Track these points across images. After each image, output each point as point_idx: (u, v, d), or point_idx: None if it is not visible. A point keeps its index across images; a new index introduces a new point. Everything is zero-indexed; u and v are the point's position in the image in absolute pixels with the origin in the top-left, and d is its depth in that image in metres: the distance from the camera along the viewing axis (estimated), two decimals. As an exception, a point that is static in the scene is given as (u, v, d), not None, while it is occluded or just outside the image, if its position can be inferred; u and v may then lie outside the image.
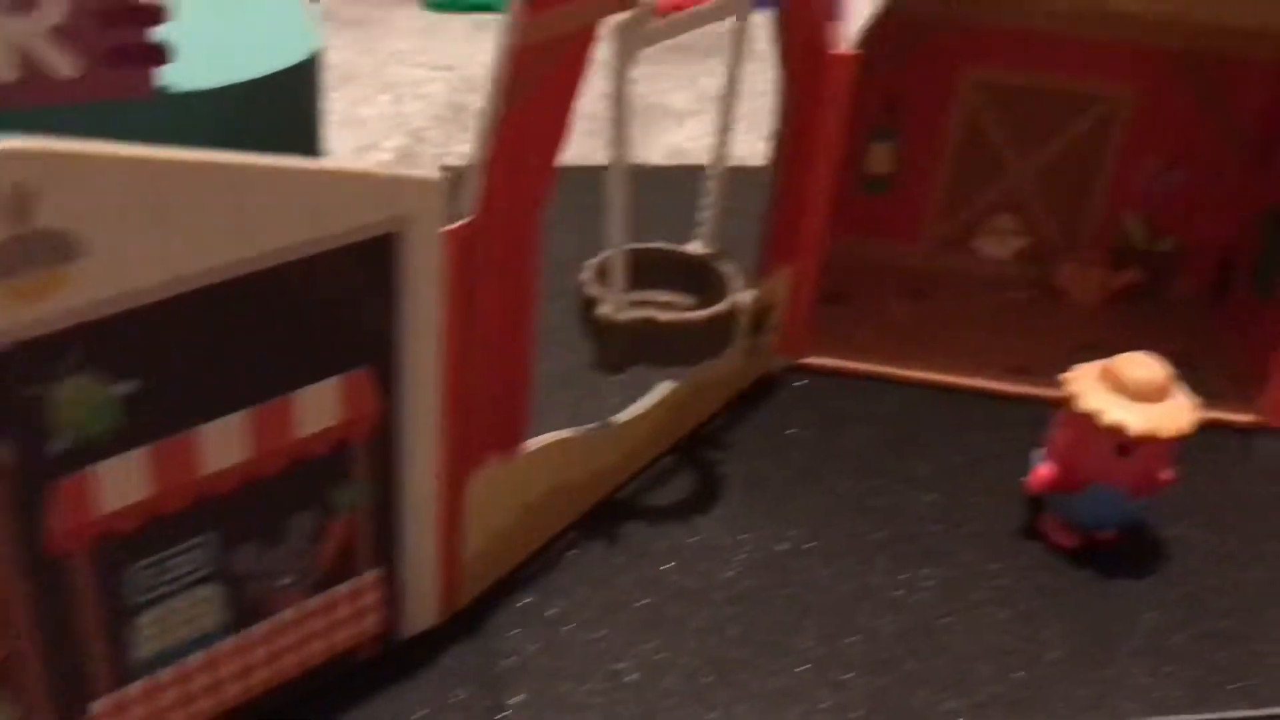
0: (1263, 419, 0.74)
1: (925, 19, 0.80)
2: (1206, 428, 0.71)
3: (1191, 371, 0.78)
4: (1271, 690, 0.56)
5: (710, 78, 1.24)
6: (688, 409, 0.69)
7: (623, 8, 0.49)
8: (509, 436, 0.54)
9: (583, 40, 0.48)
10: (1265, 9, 0.77)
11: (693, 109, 1.19)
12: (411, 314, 0.46)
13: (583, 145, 1.07)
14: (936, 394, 0.76)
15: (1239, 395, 0.76)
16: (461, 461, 0.52)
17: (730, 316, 0.60)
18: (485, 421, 0.52)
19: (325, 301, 0.43)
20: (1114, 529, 0.64)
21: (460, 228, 0.46)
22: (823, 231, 0.72)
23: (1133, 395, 0.59)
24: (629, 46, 0.51)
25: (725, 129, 0.62)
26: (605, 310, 0.57)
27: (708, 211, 0.63)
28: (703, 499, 0.65)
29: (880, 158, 0.85)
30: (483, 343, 0.50)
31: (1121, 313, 0.84)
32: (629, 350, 0.58)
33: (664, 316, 0.58)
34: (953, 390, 0.76)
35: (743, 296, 0.61)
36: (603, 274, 0.59)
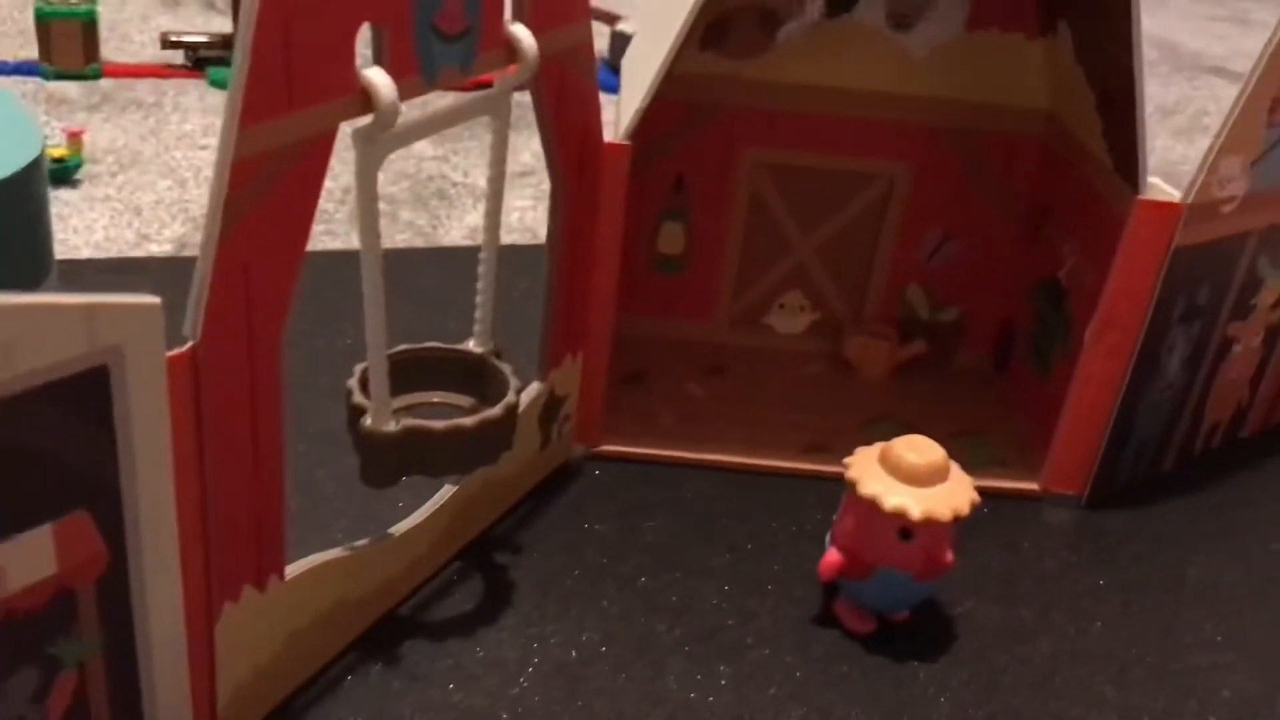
0: (1049, 488, 0.76)
1: (706, 102, 0.80)
2: (994, 496, 0.73)
3: (978, 440, 0.80)
4: (1060, 768, 0.56)
5: (516, 153, 1.23)
6: (476, 510, 0.66)
7: (363, 111, 0.47)
8: (263, 566, 0.51)
9: (316, 147, 0.46)
10: (1027, 89, 0.80)
11: (492, 187, 1.17)
12: (134, 449, 0.42)
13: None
14: (735, 476, 0.75)
15: (1025, 464, 0.78)
16: (209, 599, 0.48)
17: (505, 420, 0.58)
18: (234, 554, 0.49)
19: (26, 445, 0.39)
20: (905, 610, 0.64)
21: (182, 354, 0.42)
22: (610, 320, 0.71)
23: (911, 479, 0.59)
24: (373, 153, 0.48)
25: (493, 227, 0.60)
26: (369, 423, 0.54)
27: (481, 309, 0.61)
28: (491, 607, 0.62)
29: (671, 238, 0.85)
30: (223, 472, 0.46)
31: (910, 384, 0.86)
32: (397, 463, 0.55)
33: (433, 425, 0.55)
34: (752, 472, 0.76)
35: (515, 398, 0.58)
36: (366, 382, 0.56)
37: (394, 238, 1.04)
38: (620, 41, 1.44)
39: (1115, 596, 0.68)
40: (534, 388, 0.68)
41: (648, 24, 0.80)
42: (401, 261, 0.99)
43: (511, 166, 1.22)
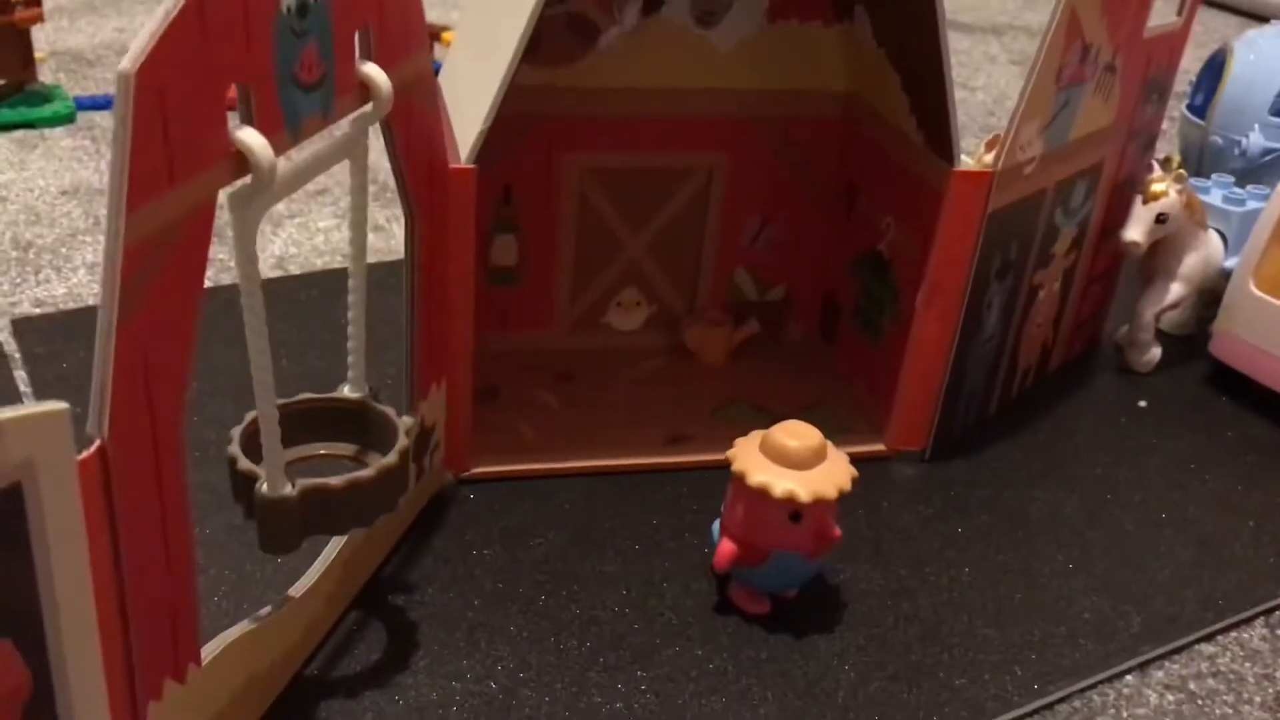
0: (894, 447, 0.81)
1: (526, 113, 0.80)
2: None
3: (822, 411, 0.84)
4: (968, 712, 0.60)
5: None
6: (363, 556, 0.65)
7: (240, 174, 0.45)
8: (180, 658, 0.48)
9: (199, 219, 0.44)
10: (828, 74, 0.84)
11: (291, 210, 1.13)
12: (51, 565, 0.39)
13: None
14: (606, 480, 0.76)
15: (868, 427, 0.82)
16: (134, 704, 0.45)
17: (402, 465, 0.57)
18: (153, 651, 0.46)
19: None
20: (796, 588, 0.67)
21: (91, 455, 0.40)
22: (470, 343, 0.71)
23: (794, 463, 0.62)
24: (249, 216, 0.47)
25: (359, 268, 0.58)
26: (264, 489, 0.52)
27: (354, 353, 0.60)
28: (399, 652, 0.61)
29: (504, 250, 0.85)
30: (137, 569, 0.44)
31: (749, 364, 0.89)
32: (298, 526, 0.53)
33: (332, 483, 0.54)
34: (619, 473, 0.77)
35: (408, 441, 0.57)
36: (249, 443, 0.54)
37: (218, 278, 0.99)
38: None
39: (974, 543, 0.73)
40: (406, 422, 0.67)
41: (464, 38, 0.79)
42: (212, 299, 0.95)
43: (308, 186, 1.18)
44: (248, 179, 0.45)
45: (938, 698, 0.61)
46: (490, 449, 0.76)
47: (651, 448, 0.79)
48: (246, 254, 0.47)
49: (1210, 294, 0.96)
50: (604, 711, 0.59)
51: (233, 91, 0.45)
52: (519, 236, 0.84)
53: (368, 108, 0.54)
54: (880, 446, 0.81)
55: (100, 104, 1.33)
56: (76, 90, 1.37)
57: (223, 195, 0.45)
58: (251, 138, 0.44)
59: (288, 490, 0.53)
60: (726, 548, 0.64)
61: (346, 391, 0.60)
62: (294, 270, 1.02)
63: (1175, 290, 0.93)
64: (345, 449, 0.60)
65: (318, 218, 1.12)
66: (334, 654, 0.61)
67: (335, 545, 0.61)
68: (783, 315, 0.92)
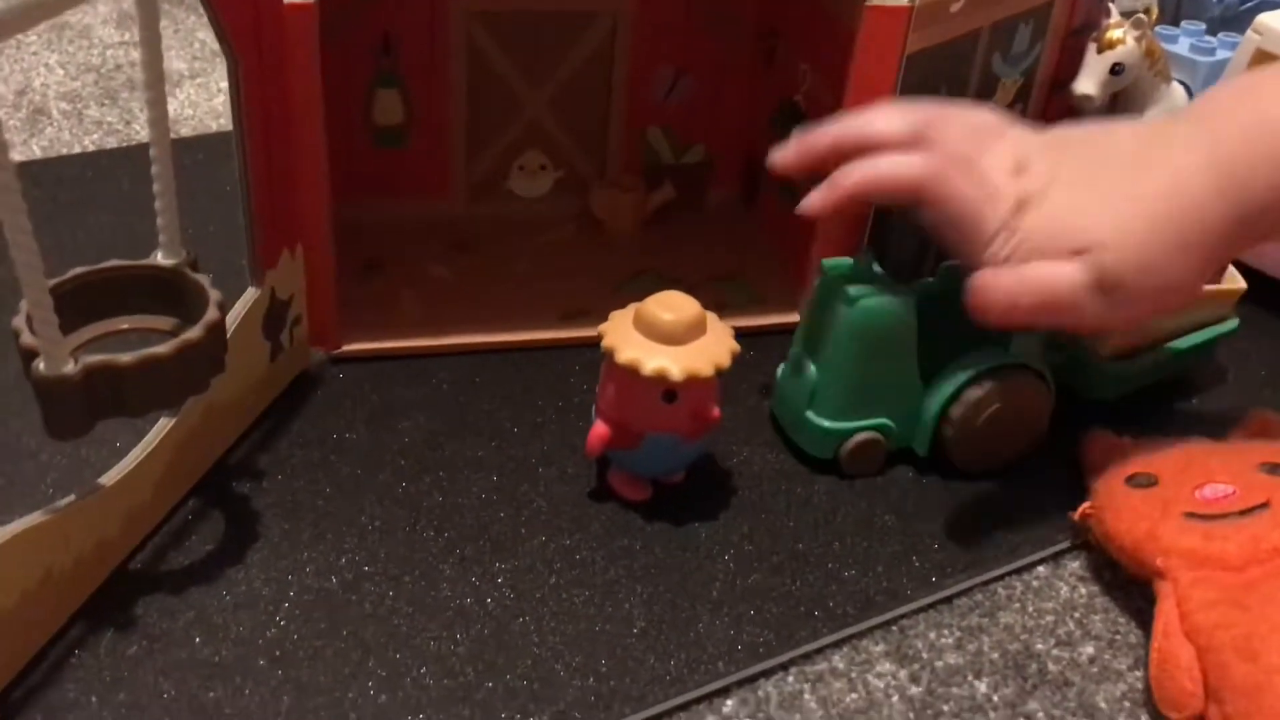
0: (808, 319, 0.74)
1: (400, -50, 0.72)
2: (757, 335, 0.70)
3: (735, 283, 0.77)
4: (854, 606, 0.55)
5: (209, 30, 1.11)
6: (202, 441, 0.59)
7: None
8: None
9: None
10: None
11: (192, 70, 1.06)
12: None
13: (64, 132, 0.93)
14: (493, 358, 0.70)
15: (784, 298, 0.75)
16: None
17: (209, 340, 0.51)
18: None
19: None
20: (681, 471, 0.61)
21: None
22: (327, 203, 0.64)
23: (668, 338, 0.56)
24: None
25: (159, 115, 0.51)
26: (41, 367, 0.46)
27: (163, 214, 0.53)
28: (234, 545, 0.56)
29: (388, 107, 0.77)
30: None
31: (663, 233, 0.82)
32: (85, 408, 0.47)
33: (121, 359, 0.48)
34: (509, 350, 0.71)
35: (217, 313, 0.51)
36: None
37: (82, 141, 0.92)
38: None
39: (887, 421, 0.67)
40: (250, 294, 0.61)
41: None
42: (91, 166, 0.88)
43: (211, 45, 1.10)
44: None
45: (822, 590, 0.56)
46: (367, 326, 0.70)
47: (545, 323, 0.73)
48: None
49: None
50: (453, 606, 0.54)
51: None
52: (403, 91, 0.77)
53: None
54: (795, 318, 0.74)
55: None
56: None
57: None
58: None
59: (69, 368, 0.47)
60: (599, 429, 0.58)
61: (159, 258, 0.54)
62: (185, 133, 0.94)
63: (1133, 148, 0.85)
64: (161, 322, 0.54)
65: (220, 77, 1.04)
66: (164, 546, 0.56)
67: (162, 428, 0.56)
68: (702, 178, 0.85)
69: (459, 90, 0.78)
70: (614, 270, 0.78)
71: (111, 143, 0.93)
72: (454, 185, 0.81)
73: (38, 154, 0.90)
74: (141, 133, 0.94)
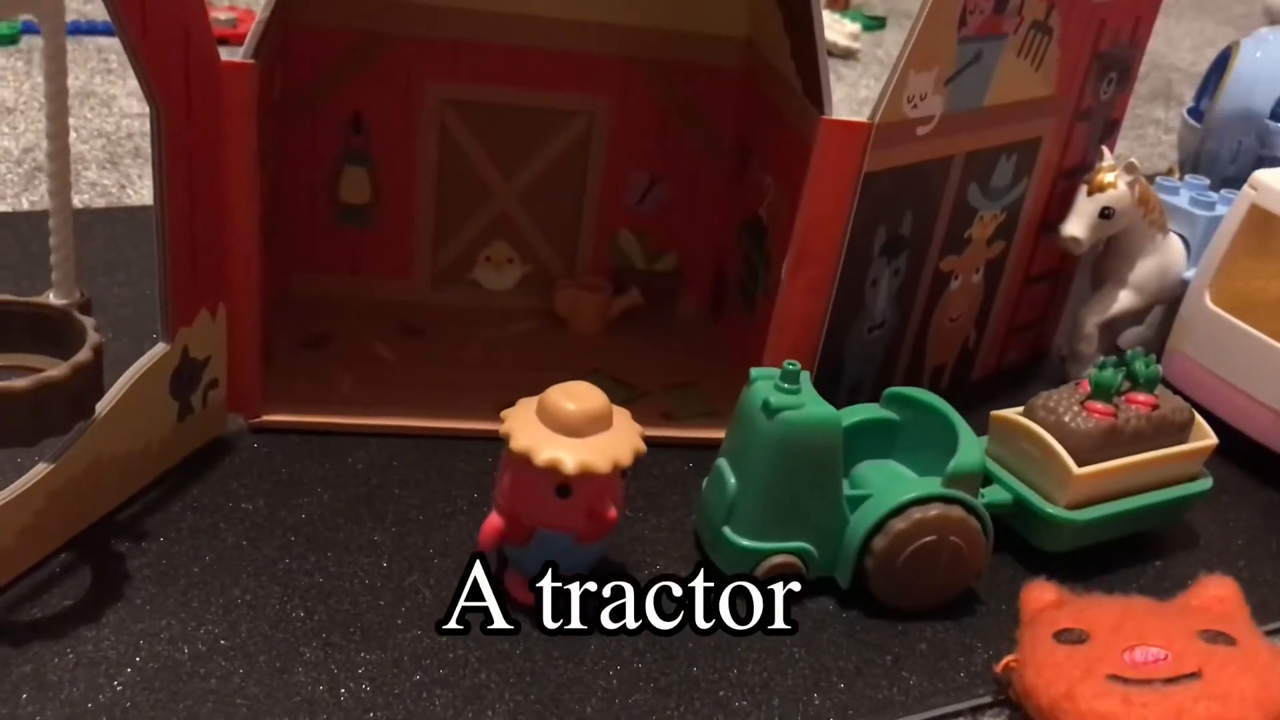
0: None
1: (378, 29, 0.72)
2: (702, 448, 0.67)
3: (688, 392, 0.74)
4: (733, 740, 0.51)
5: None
6: (88, 492, 0.57)
7: None
8: None
9: None
10: (728, 16, 0.75)
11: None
12: None
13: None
14: (418, 443, 0.68)
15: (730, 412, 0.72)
16: None
17: (75, 380, 0.49)
18: None
19: None
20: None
21: None
22: (256, 268, 0.63)
23: (569, 429, 0.53)
24: None
25: (59, 151, 0.51)
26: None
27: (57, 253, 0.52)
28: (94, 603, 0.53)
29: (355, 185, 0.77)
30: None
31: (625, 337, 0.80)
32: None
33: (-31, 389, 0.46)
34: (435, 436, 0.68)
35: (88, 355, 0.49)
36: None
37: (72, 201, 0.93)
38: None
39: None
40: (158, 349, 0.59)
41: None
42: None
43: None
44: None
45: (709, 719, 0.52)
46: (296, 398, 0.68)
47: (477, 413, 0.70)
48: None
49: (1176, 308, 0.84)
50: (303, 693, 0.50)
51: None
52: (372, 171, 0.76)
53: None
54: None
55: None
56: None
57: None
58: None
59: (-86, 393, 0.45)
60: (492, 521, 0.55)
61: (51, 298, 0.52)
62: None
63: (1124, 299, 0.82)
64: (40, 362, 0.52)
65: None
66: (20, 597, 0.53)
67: (37, 473, 0.53)
68: (672, 288, 0.83)
69: (429, 175, 0.77)
70: (564, 368, 0.74)
71: (100, 203, 0.93)
72: (417, 269, 0.80)
73: (26, 207, 0.90)
74: (134, 197, 0.95)
